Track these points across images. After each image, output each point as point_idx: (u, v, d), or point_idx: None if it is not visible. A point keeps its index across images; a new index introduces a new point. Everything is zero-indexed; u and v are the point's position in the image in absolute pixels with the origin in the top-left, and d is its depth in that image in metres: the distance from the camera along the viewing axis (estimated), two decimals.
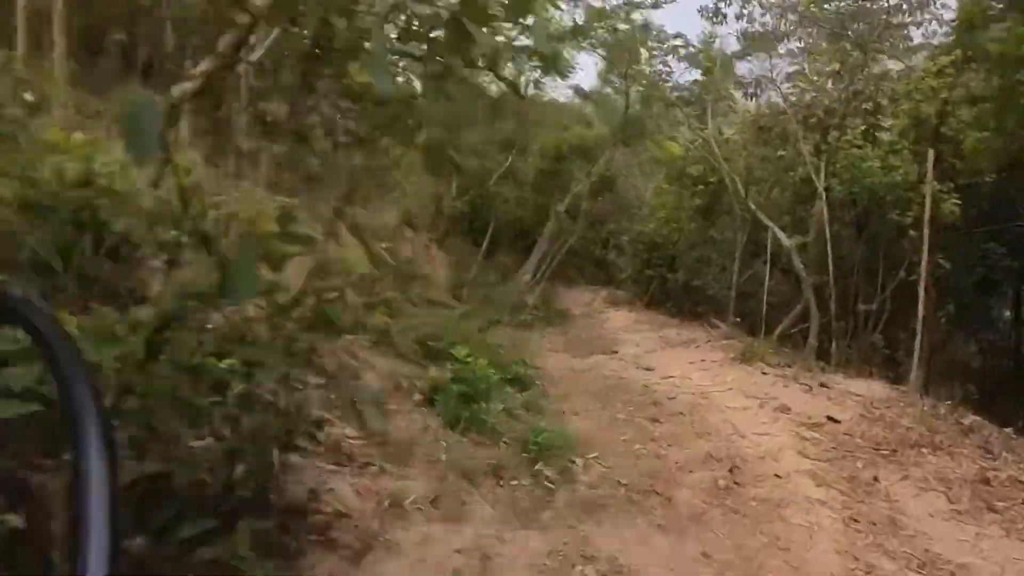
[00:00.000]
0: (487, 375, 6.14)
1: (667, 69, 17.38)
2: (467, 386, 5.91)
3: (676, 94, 18.56)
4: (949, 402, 7.31)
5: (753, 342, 9.34)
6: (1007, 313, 14.21)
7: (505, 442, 4.93)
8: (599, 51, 16.95)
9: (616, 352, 10.42)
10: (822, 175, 10.46)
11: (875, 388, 7.78)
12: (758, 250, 14.83)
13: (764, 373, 8.09)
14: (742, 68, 15.58)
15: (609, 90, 20.65)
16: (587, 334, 13.26)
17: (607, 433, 5.71)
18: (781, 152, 11.97)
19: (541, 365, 8.39)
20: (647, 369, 9.12)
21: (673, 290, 16.88)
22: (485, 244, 21.38)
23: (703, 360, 9.49)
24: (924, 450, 5.38)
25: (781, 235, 10.14)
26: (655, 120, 20.68)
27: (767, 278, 13.02)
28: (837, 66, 10.22)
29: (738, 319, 14.08)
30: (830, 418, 6.26)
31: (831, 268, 10.15)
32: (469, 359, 6.66)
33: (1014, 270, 12.17)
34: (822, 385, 7.47)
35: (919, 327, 7.56)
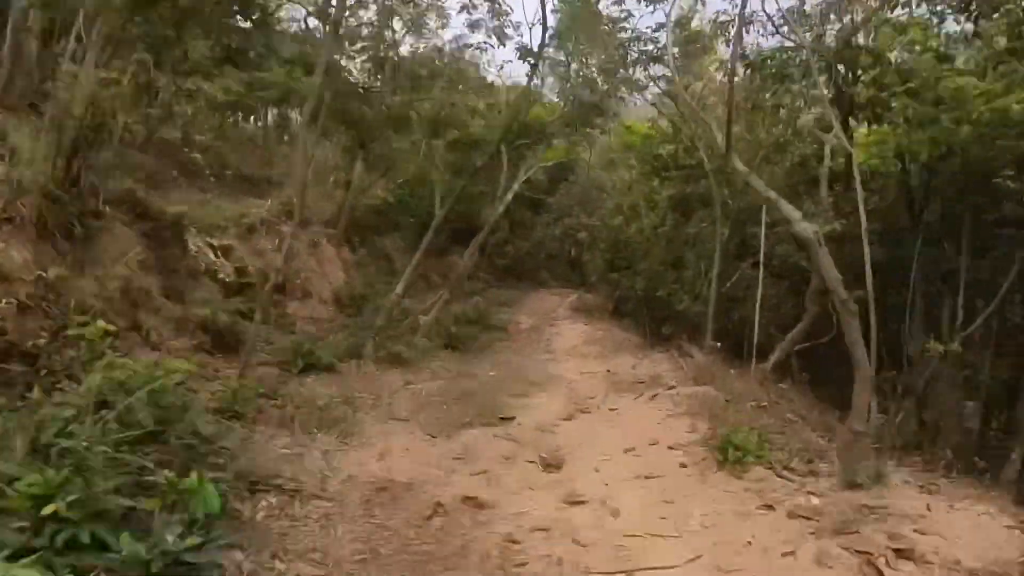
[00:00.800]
0: None
1: (623, 12, 13.14)
2: None
3: (640, 49, 14.41)
4: None
5: (737, 430, 4.97)
6: None
7: None
8: None
9: (513, 418, 6.12)
10: (840, 132, 6.41)
11: (999, 539, 3.66)
12: (743, 249, 11.01)
13: (768, 505, 3.88)
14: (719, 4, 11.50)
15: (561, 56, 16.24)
16: (501, 371, 8.98)
17: None
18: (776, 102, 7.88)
19: (331, 474, 4.14)
20: (549, 466, 4.91)
21: (633, 300, 12.72)
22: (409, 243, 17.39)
23: (656, 443, 5.30)
24: None
25: (789, 208, 5.82)
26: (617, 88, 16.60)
27: (760, 286, 8.97)
28: None
29: (718, 343, 10.03)
30: None
31: (869, 278, 6.03)
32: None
33: None
34: (899, 552, 3.30)
35: None
